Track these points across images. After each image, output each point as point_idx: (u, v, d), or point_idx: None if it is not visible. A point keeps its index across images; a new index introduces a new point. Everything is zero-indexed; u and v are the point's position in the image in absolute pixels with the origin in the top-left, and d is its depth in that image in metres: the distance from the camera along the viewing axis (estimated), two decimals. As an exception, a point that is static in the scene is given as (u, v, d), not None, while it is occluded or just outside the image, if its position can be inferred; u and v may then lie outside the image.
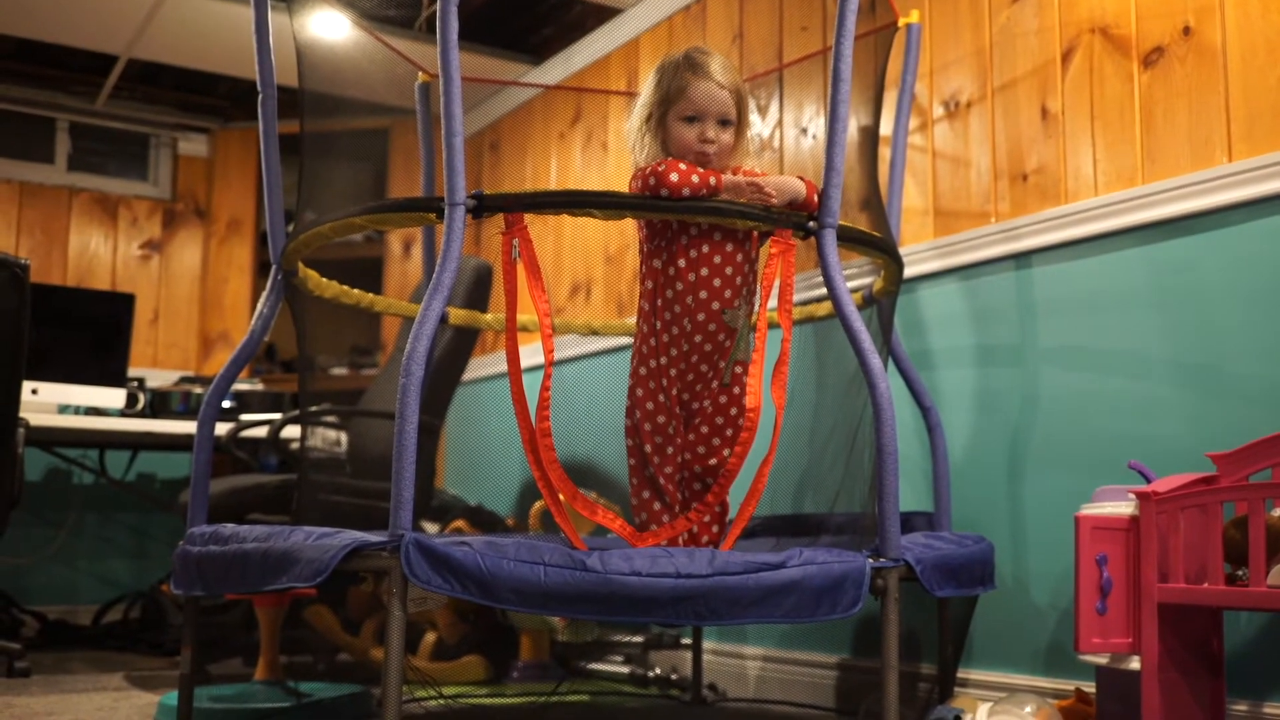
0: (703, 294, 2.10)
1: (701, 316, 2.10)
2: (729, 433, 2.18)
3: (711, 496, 2.12)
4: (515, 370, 1.97)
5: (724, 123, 2.12)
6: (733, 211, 2.00)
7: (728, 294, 2.11)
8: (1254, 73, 2.20)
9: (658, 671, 3.28)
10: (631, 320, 2.40)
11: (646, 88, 2.17)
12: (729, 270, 2.11)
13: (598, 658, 3.50)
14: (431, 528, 3.57)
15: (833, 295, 2.00)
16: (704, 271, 2.10)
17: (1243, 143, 2.21)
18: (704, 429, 2.17)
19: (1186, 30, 2.32)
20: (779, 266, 2.01)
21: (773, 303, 2.50)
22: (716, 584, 1.79)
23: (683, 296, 2.11)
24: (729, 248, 2.11)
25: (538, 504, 3.31)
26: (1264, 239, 2.16)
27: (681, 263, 2.10)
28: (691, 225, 2.09)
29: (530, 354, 3.84)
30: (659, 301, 2.14)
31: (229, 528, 2.16)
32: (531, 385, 1.98)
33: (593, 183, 4.03)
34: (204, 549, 2.15)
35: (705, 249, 2.10)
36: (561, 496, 2.02)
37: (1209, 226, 2.25)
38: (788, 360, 2.02)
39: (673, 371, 2.14)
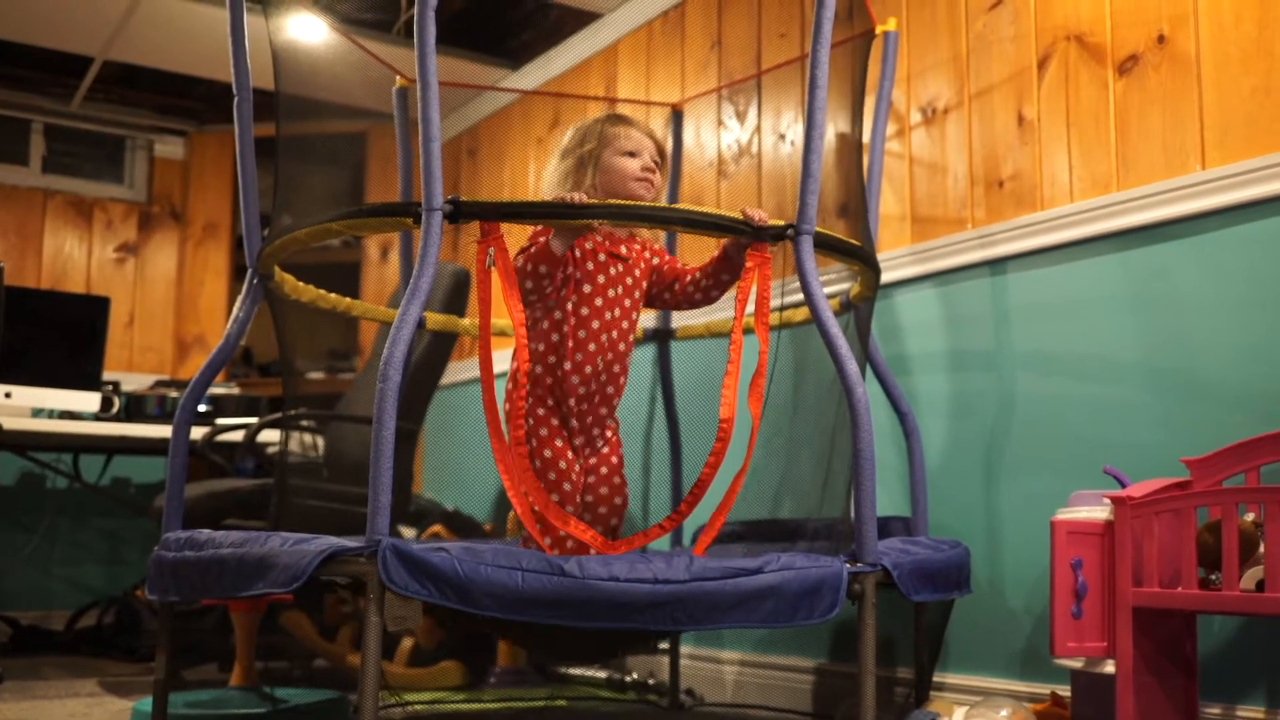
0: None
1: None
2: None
3: (685, 506, 2.13)
4: (488, 378, 1.95)
5: (656, 164, 2.31)
6: (708, 222, 2.01)
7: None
8: (1228, 81, 2.22)
9: (635, 676, 3.28)
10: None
11: (569, 141, 2.34)
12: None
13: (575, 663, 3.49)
14: (409, 533, 3.56)
15: (810, 301, 2.00)
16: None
17: (1216, 150, 2.22)
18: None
19: (1161, 39, 2.33)
20: (754, 279, 2.03)
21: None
22: (694, 589, 1.80)
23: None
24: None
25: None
26: (1238, 246, 2.18)
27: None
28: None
29: (506, 359, 3.83)
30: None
31: (205, 533, 2.15)
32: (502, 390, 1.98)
33: (571, 187, 4.02)
34: (179, 554, 2.14)
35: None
36: (534, 506, 2.02)
37: (1183, 233, 2.27)
38: (764, 373, 2.02)
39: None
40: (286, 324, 2.54)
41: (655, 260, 2.38)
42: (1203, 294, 2.23)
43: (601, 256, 2.28)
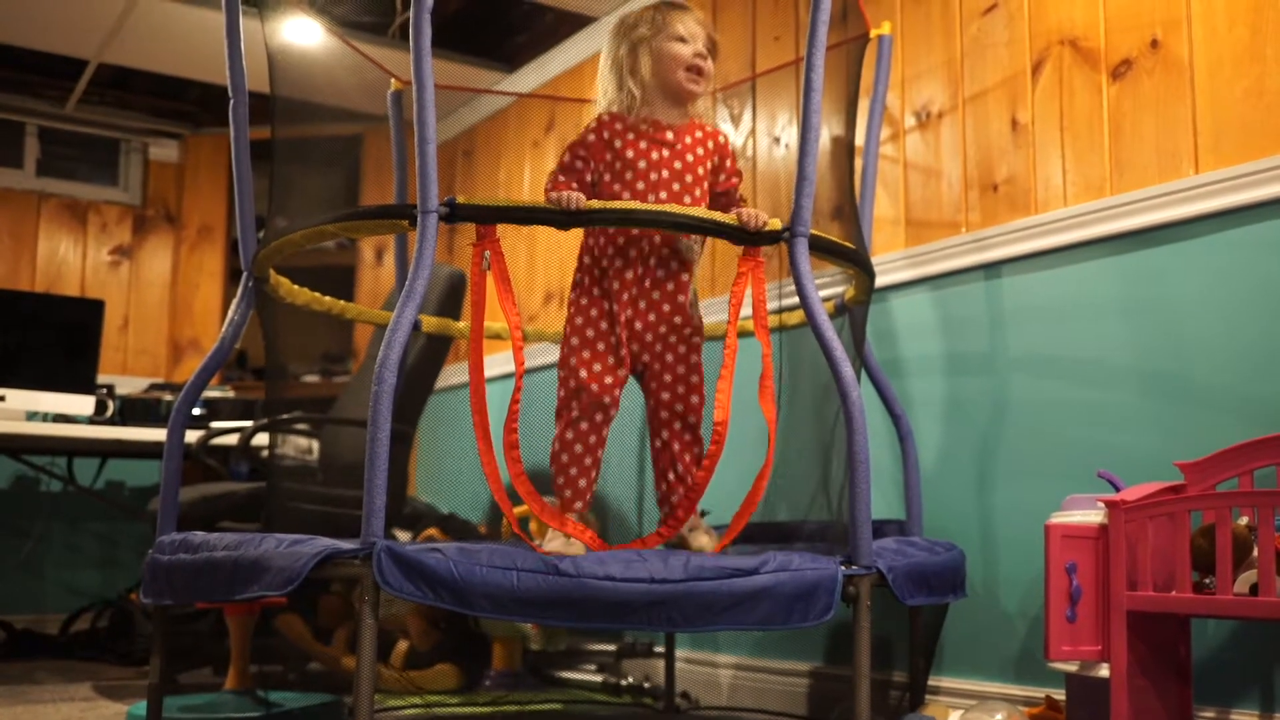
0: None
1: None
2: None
3: (682, 512, 2.12)
4: (478, 381, 1.94)
5: (709, 51, 2.28)
6: (702, 226, 2.01)
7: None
8: (1221, 85, 2.23)
9: (630, 680, 3.27)
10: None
11: (620, 28, 2.31)
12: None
13: (570, 666, 3.49)
14: (404, 536, 3.56)
15: (805, 304, 2.01)
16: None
17: (1210, 154, 2.23)
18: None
19: (1154, 43, 2.34)
20: (748, 283, 2.03)
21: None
22: (690, 589, 1.80)
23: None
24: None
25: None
26: (1231, 250, 2.18)
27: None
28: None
29: (503, 361, 3.83)
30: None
31: (199, 536, 2.15)
32: (502, 393, 1.98)
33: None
34: (174, 557, 2.14)
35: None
36: (527, 508, 2.01)
37: (1177, 237, 2.27)
38: (771, 374, 2.02)
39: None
40: (276, 327, 2.54)
41: (719, 158, 2.31)
42: (1197, 298, 2.23)
43: (644, 144, 2.23)
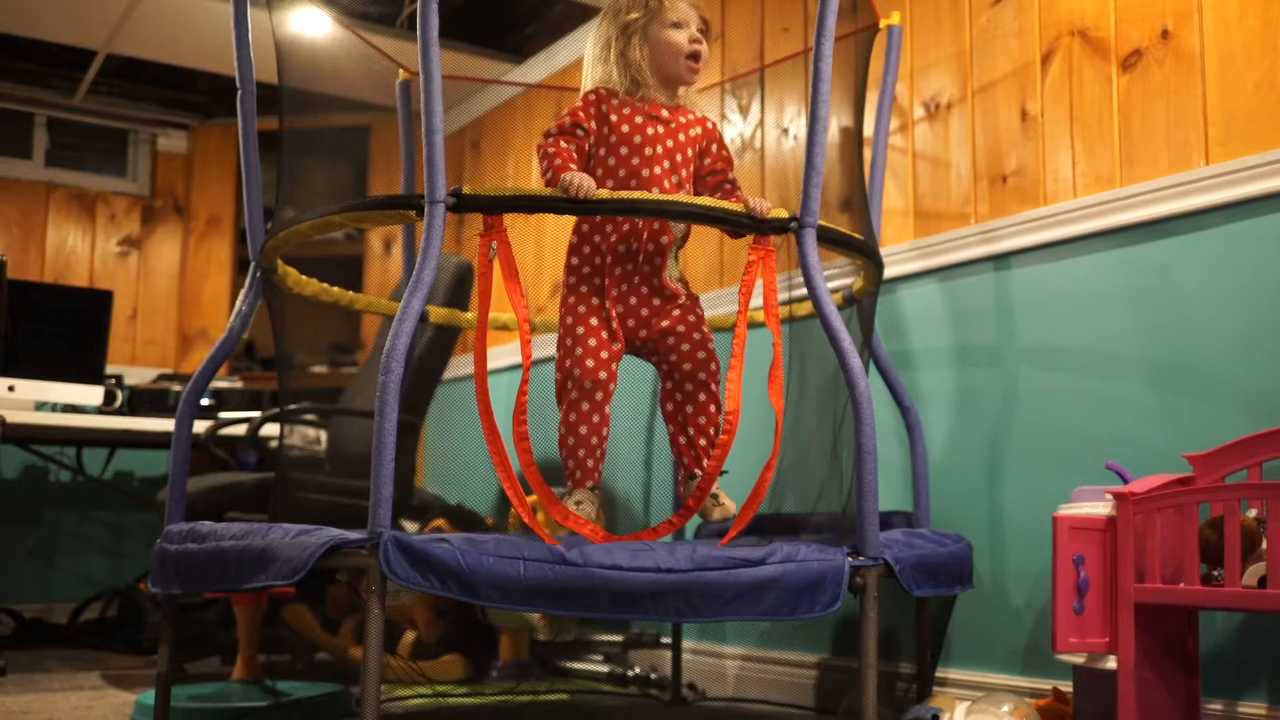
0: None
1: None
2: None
3: (693, 502, 2.12)
4: (482, 371, 1.93)
5: (702, 33, 2.26)
6: (712, 215, 2.00)
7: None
8: (1231, 76, 2.22)
9: (637, 670, 3.28)
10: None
11: (611, 12, 2.28)
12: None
13: (577, 656, 3.50)
14: (411, 526, 3.56)
15: (813, 295, 2.00)
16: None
17: (1220, 146, 2.22)
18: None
19: (1165, 34, 2.33)
20: (759, 271, 2.02)
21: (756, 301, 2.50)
22: (696, 579, 1.80)
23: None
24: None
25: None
26: (1240, 241, 2.18)
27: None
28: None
29: (511, 352, 3.83)
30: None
31: (207, 525, 2.15)
32: (511, 384, 1.97)
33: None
34: (182, 547, 2.14)
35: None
36: (536, 499, 2.01)
37: (1186, 229, 2.26)
38: (780, 363, 2.01)
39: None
40: (283, 317, 2.54)
41: (707, 142, 2.31)
42: (1206, 289, 2.22)
43: (639, 119, 2.23)
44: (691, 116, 2.29)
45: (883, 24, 2.65)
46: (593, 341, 2.18)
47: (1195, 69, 2.27)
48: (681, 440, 2.26)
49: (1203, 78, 2.26)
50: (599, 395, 2.18)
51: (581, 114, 2.22)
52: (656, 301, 2.25)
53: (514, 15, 4.29)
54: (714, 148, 2.31)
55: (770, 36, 3.30)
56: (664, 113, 2.25)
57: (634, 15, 2.24)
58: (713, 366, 2.25)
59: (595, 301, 2.22)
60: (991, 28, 2.69)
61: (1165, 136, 2.31)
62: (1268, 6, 2.17)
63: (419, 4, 1.90)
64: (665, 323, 2.25)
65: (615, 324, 2.21)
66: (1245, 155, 2.17)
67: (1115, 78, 2.42)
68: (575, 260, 2.25)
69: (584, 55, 2.37)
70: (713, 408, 2.25)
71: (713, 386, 2.25)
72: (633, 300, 2.24)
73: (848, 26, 2.65)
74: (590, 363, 2.17)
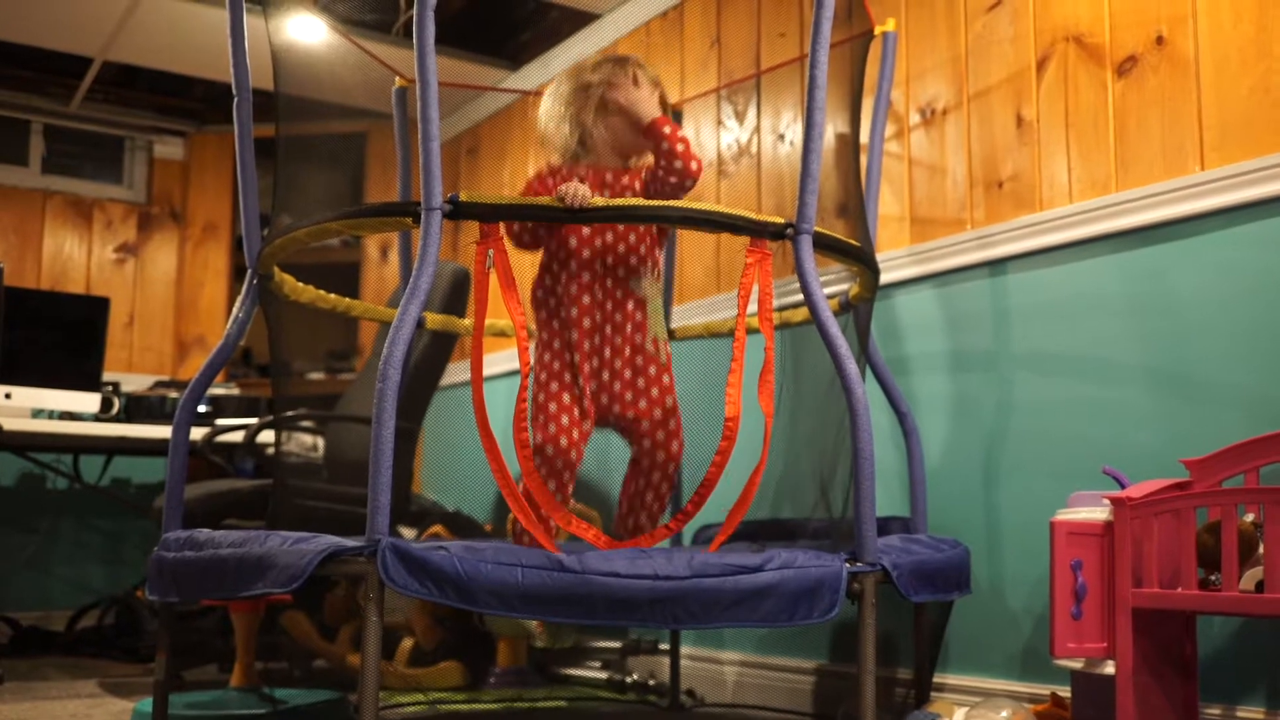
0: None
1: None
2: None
3: (691, 506, 2.12)
4: (478, 379, 1.93)
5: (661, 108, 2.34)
6: (711, 220, 2.01)
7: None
8: (1226, 82, 2.22)
9: (635, 677, 3.28)
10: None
11: (573, 75, 2.40)
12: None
13: (575, 663, 3.49)
14: (409, 533, 3.56)
15: (809, 301, 2.00)
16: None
17: (1215, 151, 2.23)
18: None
19: (1160, 40, 2.34)
20: (755, 275, 2.02)
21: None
22: (694, 585, 1.80)
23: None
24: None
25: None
26: (1236, 247, 2.18)
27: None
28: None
29: (509, 359, 3.83)
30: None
31: (204, 533, 2.15)
32: (509, 391, 1.97)
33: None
34: (179, 554, 2.14)
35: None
36: (540, 507, 2.01)
37: (1182, 234, 2.27)
38: (772, 368, 2.02)
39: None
40: (280, 324, 2.54)
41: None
42: (1202, 294, 2.23)
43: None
44: (635, 178, 2.33)
45: (878, 30, 2.65)
46: (565, 420, 2.23)
47: (1190, 75, 2.28)
48: (624, 509, 2.34)
49: (1198, 83, 2.27)
50: (566, 475, 2.24)
51: (537, 184, 2.31)
52: (628, 374, 2.28)
53: (510, 22, 4.29)
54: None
55: (767, 42, 3.31)
56: (608, 176, 2.31)
57: (594, 81, 2.34)
58: (676, 449, 2.33)
59: (568, 378, 2.25)
60: (987, 34, 2.69)
61: (1160, 142, 2.32)
62: (1262, 12, 2.18)
63: (415, 11, 1.90)
64: (643, 403, 2.29)
65: (588, 402, 2.25)
66: (1240, 160, 2.17)
67: (1110, 83, 2.42)
68: (539, 293, 2.31)
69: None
70: (665, 489, 2.34)
71: (671, 470, 2.34)
72: (605, 376, 2.27)
73: (843, 33, 2.65)
74: (563, 441, 2.21)
